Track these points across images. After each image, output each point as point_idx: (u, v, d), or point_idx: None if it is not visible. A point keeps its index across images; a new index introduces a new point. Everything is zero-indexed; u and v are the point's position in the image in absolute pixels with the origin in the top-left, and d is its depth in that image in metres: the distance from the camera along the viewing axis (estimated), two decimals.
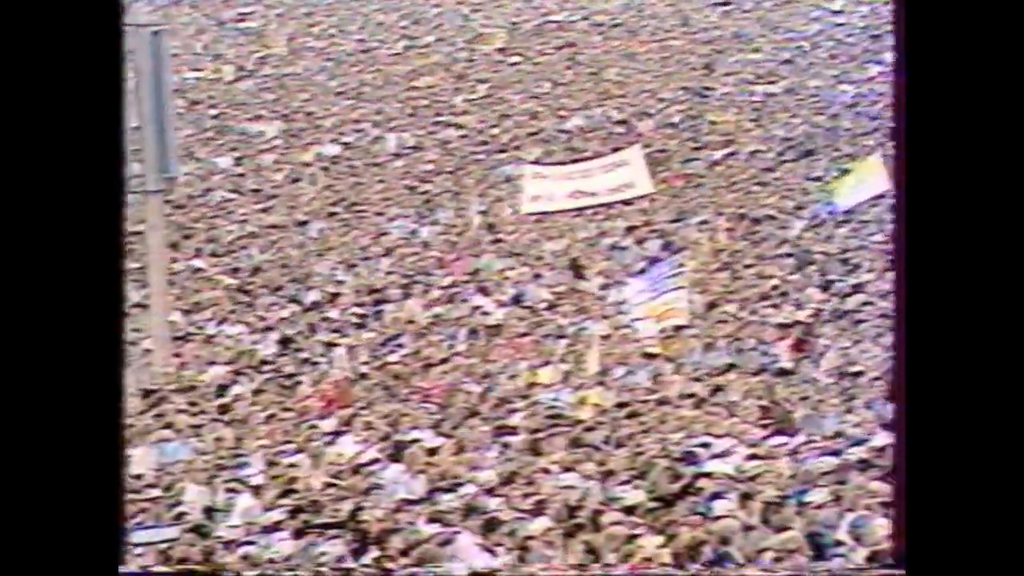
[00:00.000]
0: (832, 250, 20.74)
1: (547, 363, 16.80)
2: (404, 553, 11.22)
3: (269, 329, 18.37)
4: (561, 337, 17.78)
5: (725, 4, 32.66)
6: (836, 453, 12.80)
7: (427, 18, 32.55)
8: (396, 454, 13.53)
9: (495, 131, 27.05)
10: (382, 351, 17.58)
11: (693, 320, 17.73)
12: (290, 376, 16.46)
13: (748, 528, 11.27)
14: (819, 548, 11.10)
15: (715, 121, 27.10)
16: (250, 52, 30.86)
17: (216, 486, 12.61)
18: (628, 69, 29.73)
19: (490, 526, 11.76)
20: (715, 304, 18.67)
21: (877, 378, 15.25)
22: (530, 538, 11.56)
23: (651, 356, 16.90)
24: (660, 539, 11.34)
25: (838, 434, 13.77)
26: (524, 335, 18.00)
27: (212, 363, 17.04)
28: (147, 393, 15.82)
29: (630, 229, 22.11)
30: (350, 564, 11.17)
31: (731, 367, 16.45)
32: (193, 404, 15.33)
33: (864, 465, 12.22)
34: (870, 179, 20.21)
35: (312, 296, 19.82)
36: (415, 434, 14.10)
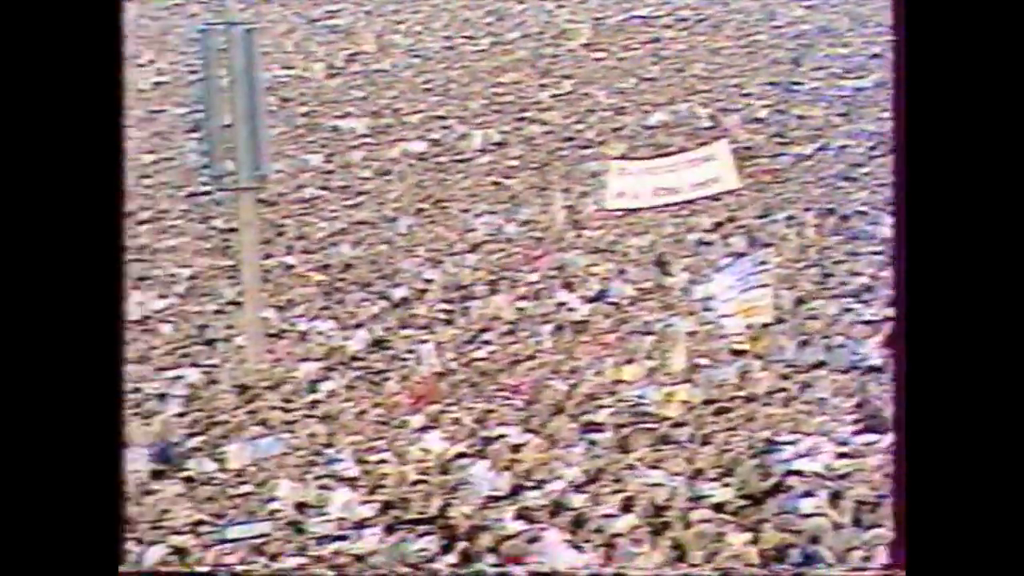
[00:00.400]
0: None
1: (632, 360, 16.84)
2: (491, 550, 11.35)
3: (359, 325, 18.61)
4: (647, 334, 17.81)
5: None
6: None
7: (512, 14, 32.62)
8: (483, 451, 13.68)
9: (580, 127, 27.05)
10: (469, 347, 17.72)
11: (782, 316, 17.67)
12: (379, 372, 16.67)
13: (838, 527, 11.26)
14: None
15: (803, 116, 26.91)
16: (339, 49, 31.17)
17: (308, 482, 12.83)
18: (713, 64, 29.55)
19: (577, 523, 11.86)
20: (804, 300, 18.59)
21: None
22: (617, 535, 11.64)
23: (739, 353, 16.88)
24: (748, 537, 11.36)
25: None
26: (610, 331, 18.04)
27: (304, 359, 17.30)
28: (241, 389, 16.13)
29: (716, 225, 22.05)
30: (438, 560, 11.31)
31: (820, 364, 16.38)
32: (286, 400, 15.60)
33: None
34: None
35: (400, 292, 20.02)
36: (501, 430, 14.24)
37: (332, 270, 21.14)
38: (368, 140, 27.43)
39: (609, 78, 29.47)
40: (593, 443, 13.94)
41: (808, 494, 11.87)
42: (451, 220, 23.22)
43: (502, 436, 14.00)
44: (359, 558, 11.28)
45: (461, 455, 13.56)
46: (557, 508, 12.24)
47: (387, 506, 12.19)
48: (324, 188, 25.34)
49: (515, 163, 25.89)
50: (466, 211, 23.64)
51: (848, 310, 18.25)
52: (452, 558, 11.34)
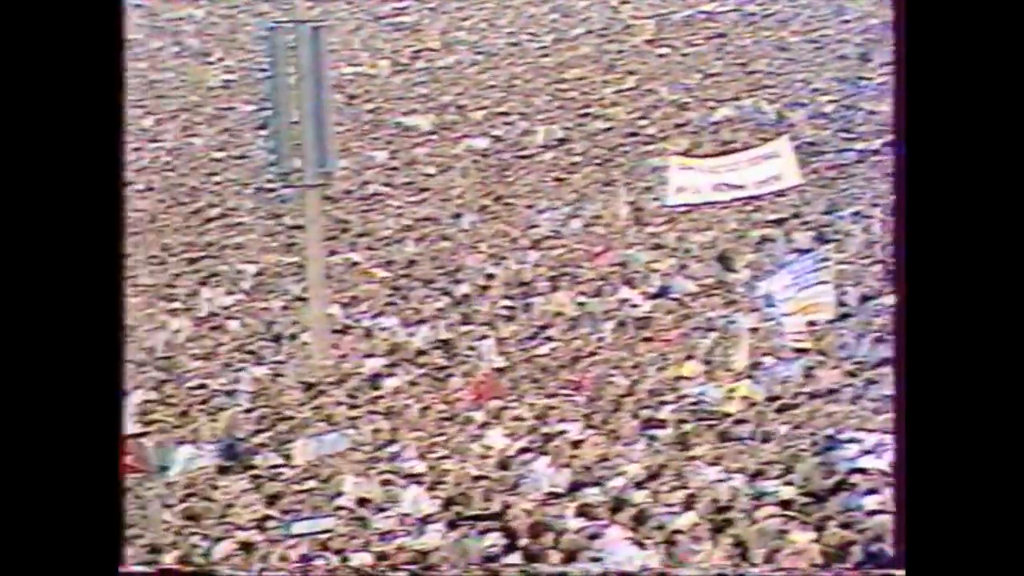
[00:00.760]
0: None
1: (693, 357, 16.81)
2: (553, 546, 11.41)
3: (422, 322, 18.73)
4: (709, 330, 17.77)
5: None
6: None
7: (576, 10, 32.63)
8: (544, 447, 13.73)
9: (642, 123, 27.03)
10: (530, 343, 17.79)
11: (848, 312, 17.55)
12: (442, 369, 16.78)
13: None
14: None
15: (871, 111, 26.68)
16: (405, 47, 31.35)
17: (372, 478, 12.96)
18: (779, 59, 29.41)
19: (638, 520, 11.88)
20: (869, 297, 18.45)
21: None
22: (678, 532, 11.65)
23: (802, 350, 16.80)
24: (811, 535, 11.33)
25: None
26: (672, 328, 18.03)
27: (369, 355, 17.45)
28: (306, 386, 16.31)
29: (780, 221, 21.93)
30: (500, 557, 11.39)
31: (886, 361, 16.27)
32: (351, 396, 15.76)
33: None
34: None
35: (463, 289, 20.13)
36: (562, 427, 14.29)
37: (396, 266, 21.29)
38: (432, 137, 27.58)
39: (673, 74, 29.39)
40: (654, 439, 13.94)
41: (872, 492, 11.82)
42: (513, 216, 23.30)
43: (563, 432, 14.05)
44: (422, 554, 11.38)
45: (522, 451, 13.62)
46: (618, 505, 12.26)
47: (449, 502, 12.29)
48: (388, 185, 25.52)
49: (578, 159, 25.92)
50: (528, 207, 23.70)
51: None
52: (514, 555, 11.40)
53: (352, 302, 19.59)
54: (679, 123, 26.89)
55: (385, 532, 11.69)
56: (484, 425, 14.54)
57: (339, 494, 12.64)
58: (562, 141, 26.92)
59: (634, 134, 26.61)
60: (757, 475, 12.72)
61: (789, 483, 12.49)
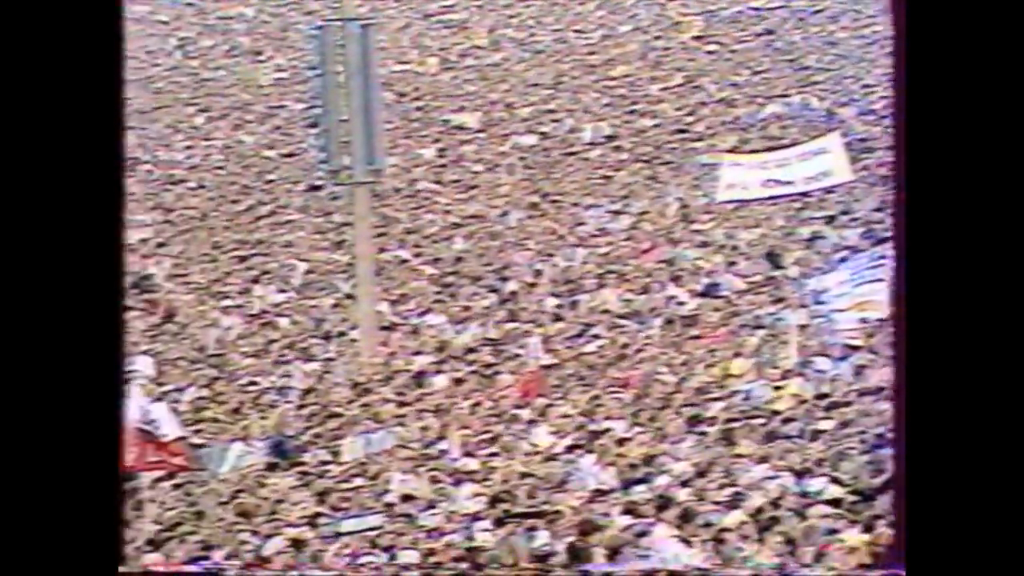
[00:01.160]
0: None
1: (741, 354, 16.78)
2: (599, 543, 11.45)
3: (470, 319, 18.80)
4: (757, 327, 17.73)
5: None
6: None
7: (624, 7, 32.59)
8: (591, 444, 13.77)
9: (690, 119, 26.97)
10: (577, 341, 17.82)
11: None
12: (489, 366, 16.85)
13: None
14: None
15: None
16: (453, 44, 31.43)
17: (420, 475, 13.04)
18: (829, 56, 29.23)
19: (685, 518, 11.90)
20: None
21: None
22: (725, 530, 11.66)
23: (853, 348, 16.72)
24: (861, 534, 11.31)
25: None
26: (719, 325, 18.00)
27: (417, 353, 17.54)
28: (355, 383, 16.42)
29: (829, 218, 21.83)
30: (547, 554, 11.43)
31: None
32: (399, 394, 15.85)
33: None
34: None
35: (510, 286, 20.18)
36: (609, 424, 14.32)
37: (444, 264, 21.37)
38: (480, 134, 27.63)
39: (721, 70, 29.28)
40: (701, 437, 13.94)
41: None
42: (561, 213, 23.32)
43: (609, 430, 14.08)
44: (470, 551, 11.45)
45: (569, 449, 13.67)
46: (665, 503, 12.28)
47: (496, 500, 12.35)
48: (437, 182, 25.59)
49: (625, 156, 25.89)
50: (576, 204, 23.73)
51: None
52: (561, 552, 11.45)
53: (400, 299, 19.68)
54: (727, 120, 26.79)
55: (432, 529, 11.76)
56: (531, 423, 14.59)
57: (386, 491, 12.73)
58: (609, 138, 26.90)
59: (682, 131, 26.53)
60: (805, 473, 12.70)
61: (837, 481, 12.46)
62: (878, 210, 22.31)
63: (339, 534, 11.63)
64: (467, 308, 19.23)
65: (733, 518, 11.89)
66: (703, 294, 19.43)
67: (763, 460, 13.10)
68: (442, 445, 14.03)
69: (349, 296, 18.68)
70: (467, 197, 24.60)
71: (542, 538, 11.65)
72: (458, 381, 16.31)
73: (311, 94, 18.93)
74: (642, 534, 11.61)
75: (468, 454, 13.69)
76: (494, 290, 19.98)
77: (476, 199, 24.45)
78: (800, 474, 12.72)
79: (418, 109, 29.01)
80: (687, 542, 11.55)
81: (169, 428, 13.08)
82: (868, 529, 11.32)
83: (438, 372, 16.68)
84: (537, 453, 13.74)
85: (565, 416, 14.70)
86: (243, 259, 22.29)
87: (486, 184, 25.14)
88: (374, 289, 18.38)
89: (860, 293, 17.22)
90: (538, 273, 20.59)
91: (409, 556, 11.41)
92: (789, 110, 26.90)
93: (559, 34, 31.85)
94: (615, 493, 12.54)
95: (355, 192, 18.29)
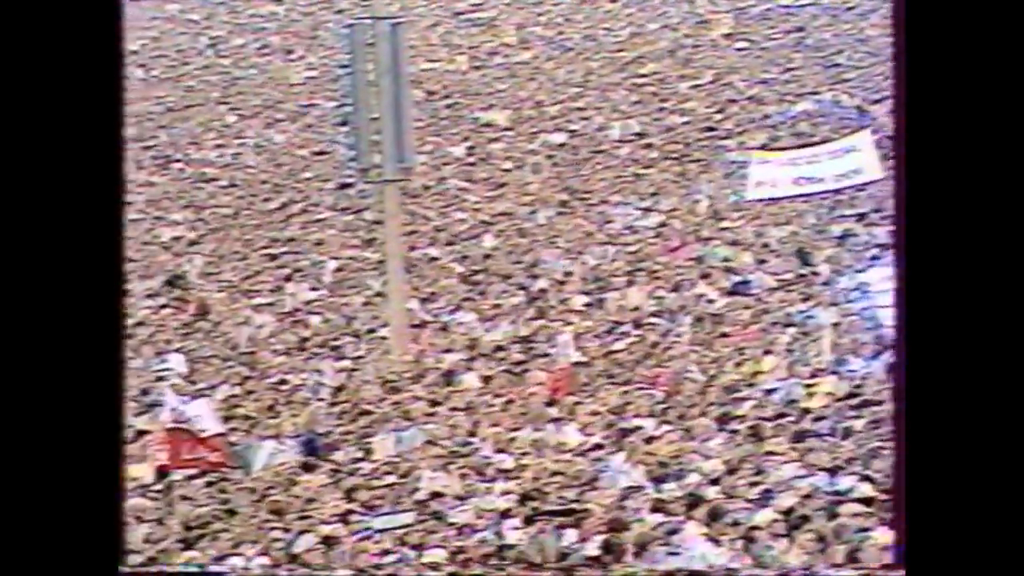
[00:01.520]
0: None
1: (771, 352, 16.76)
2: (629, 542, 11.47)
3: (499, 317, 18.84)
4: (788, 325, 17.70)
5: None
6: None
7: (653, 5, 32.56)
8: (620, 443, 13.79)
9: (720, 117, 26.93)
10: (607, 339, 17.83)
11: None
12: (519, 364, 16.89)
13: None
14: None
15: None
16: (482, 42, 31.48)
17: (451, 472, 13.09)
18: (859, 53, 29.12)
19: (714, 516, 11.90)
20: None
21: None
22: (756, 528, 11.66)
23: (887, 346, 16.66)
24: (892, 533, 11.28)
25: None
26: (749, 323, 17.98)
27: (447, 351, 17.59)
28: (385, 381, 16.49)
29: (860, 216, 21.76)
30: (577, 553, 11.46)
31: None
32: (429, 391, 15.91)
33: None
34: None
35: (540, 284, 20.21)
36: (638, 422, 14.34)
37: (474, 262, 21.41)
38: (509, 132, 27.65)
39: (751, 68, 29.22)
40: (732, 435, 13.94)
41: None
42: (590, 211, 23.33)
43: (639, 428, 14.10)
44: (500, 549, 11.49)
45: (598, 447, 13.69)
46: (694, 501, 12.29)
47: (526, 497, 12.39)
48: (466, 180, 25.64)
49: (655, 154, 25.88)
50: (605, 202, 23.72)
51: None
52: (592, 551, 11.48)
53: (430, 297, 19.73)
54: (757, 117, 26.74)
55: (462, 526, 11.81)
56: (561, 421, 14.62)
57: (417, 489, 12.79)
58: (639, 136, 26.89)
59: (711, 129, 26.49)
60: (836, 471, 12.68)
61: (869, 480, 12.44)
62: None
63: (371, 531, 11.68)
64: (497, 306, 19.26)
65: (763, 516, 11.88)
66: (733, 292, 19.40)
67: (794, 458, 13.07)
68: (473, 443, 14.07)
69: (379, 294, 18.75)
70: (496, 195, 24.64)
71: (571, 536, 11.67)
72: (488, 379, 16.36)
73: (341, 92, 19.00)
74: (672, 532, 11.62)
75: (500, 451, 13.73)
76: (524, 288, 20.01)
77: (505, 197, 24.49)
78: (831, 472, 12.70)
79: (448, 107, 29.06)
80: (715, 541, 11.55)
81: (209, 424, 13.18)
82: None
83: (468, 370, 16.73)
84: (567, 451, 13.77)
85: (595, 414, 14.72)
86: (274, 257, 22.39)
87: (515, 182, 25.17)
88: (404, 287, 18.43)
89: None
90: (568, 271, 20.61)
91: (437, 554, 11.45)
92: (819, 107, 26.81)
93: (588, 32, 31.84)
94: (645, 491, 12.54)
95: (385, 190, 18.36)
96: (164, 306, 19.79)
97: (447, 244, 22.33)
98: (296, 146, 27.76)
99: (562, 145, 26.80)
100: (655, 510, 12.05)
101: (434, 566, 11.27)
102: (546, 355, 17.20)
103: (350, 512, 12.28)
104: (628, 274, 20.16)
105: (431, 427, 14.59)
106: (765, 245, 21.01)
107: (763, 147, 23.73)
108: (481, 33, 32.24)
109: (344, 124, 18.71)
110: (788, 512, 11.91)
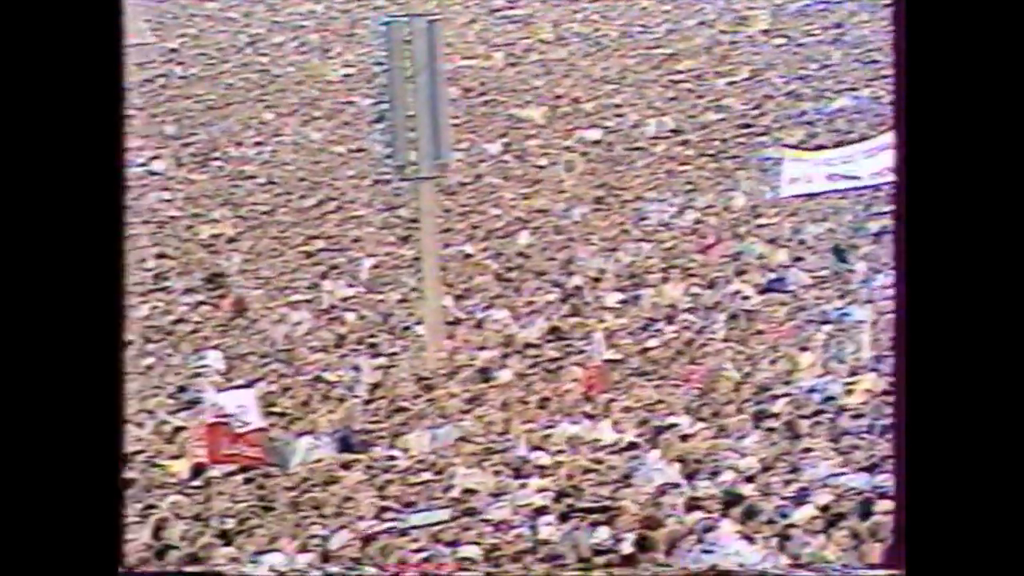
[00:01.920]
0: None
1: (807, 349, 16.72)
2: (664, 539, 11.49)
3: (534, 314, 18.88)
4: (824, 323, 17.66)
5: None
6: None
7: (689, 1, 32.50)
8: (654, 440, 13.80)
9: (756, 113, 26.85)
10: (642, 336, 17.83)
11: None
12: (553, 360, 16.92)
13: None
14: None
15: None
16: (518, 39, 31.49)
17: (485, 469, 13.14)
18: None
19: (750, 514, 11.90)
20: None
21: None
22: (792, 526, 11.65)
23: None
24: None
25: None
26: (785, 320, 17.95)
27: (482, 348, 17.64)
28: (421, 377, 16.56)
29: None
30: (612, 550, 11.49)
31: None
32: (464, 388, 15.96)
33: None
34: None
35: (575, 281, 20.23)
36: (673, 419, 14.34)
37: (509, 259, 21.45)
38: (544, 129, 27.66)
39: (788, 64, 29.11)
40: (768, 432, 13.93)
41: None
42: (625, 208, 23.32)
43: (673, 425, 14.11)
44: (535, 546, 11.53)
45: (633, 444, 13.71)
46: (730, 499, 12.30)
47: (560, 495, 12.43)
48: (502, 177, 25.68)
49: (691, 151, 25.83)
50: (640, 199, 23.71)
51: None
52: (626, 548, 11.50)
53: (465, 294, 19.79)
54: (794, 114, 26.64)
55: (498, 523, 11.85)
56: (595, 418, 14.65)
57: (451, 486, 12.84)
58: (675, 132, 26.85)
59: (748, 125, 26.42)
60: (872, 469, 12.66)
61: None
62: None
63: (408, 528, 11.74)
64: (531, 303, 19.29)
65: (800, 514, 11.87)
66: (768, 289, 19.37)
67: (830, 456, 13.06)
68: (507, 439, 14.11)
69: (415, 291, 18.81)
70: (532, 192, 24.67)
71: (605, 533, 11.70)
72: (522, 376, 16.40)
73: (378, 90, 19.07)
74: (708, 529, 11.63)
75: (535, 448, 13.76)
76: (558, 285, 20.04)
77: (540, 194, 24.51)
78: (868, 470, 12.68)
79: (484, 104, 29.10)
80: (749, 539, 11.55)
81: (252, 416, 13.26)
82: None
83: (502, 367, 16.78)
84: (601, 448, 13.79)
85: (629, 411, 14.74)
86: (311, 254, 22.51)
87: (550, 179, 25.19)
88: (439, 284, 18.49)
89: None
90: (602, 268, 20.62)
91: (472, 551, 11.50)
92: (857, 104, 26.70)
93: (624, 28, 31.80)
94: (680, 488, 12.56)
95: (421, 187, 18.42)
96: (202, 303, 19.94)
97: (482, 241, 22.37)
98: (333, 143, 27.89)
99: (597, 142, 26.80)
100: (690, 508, 12.06)
101: (468, 563, 11.32)
102: (580, 352, 17.22)
103: (385, 509, 12.34)
104: (663, 271, 20.15)
105: (466, 424, 14.65)
106: (801, 242, 20.96)
107: (799, 144, 23.67)
108: (517, 30, 32.26)
109: (380, 121, 18.78)
110: (824, 510, 11.89)
